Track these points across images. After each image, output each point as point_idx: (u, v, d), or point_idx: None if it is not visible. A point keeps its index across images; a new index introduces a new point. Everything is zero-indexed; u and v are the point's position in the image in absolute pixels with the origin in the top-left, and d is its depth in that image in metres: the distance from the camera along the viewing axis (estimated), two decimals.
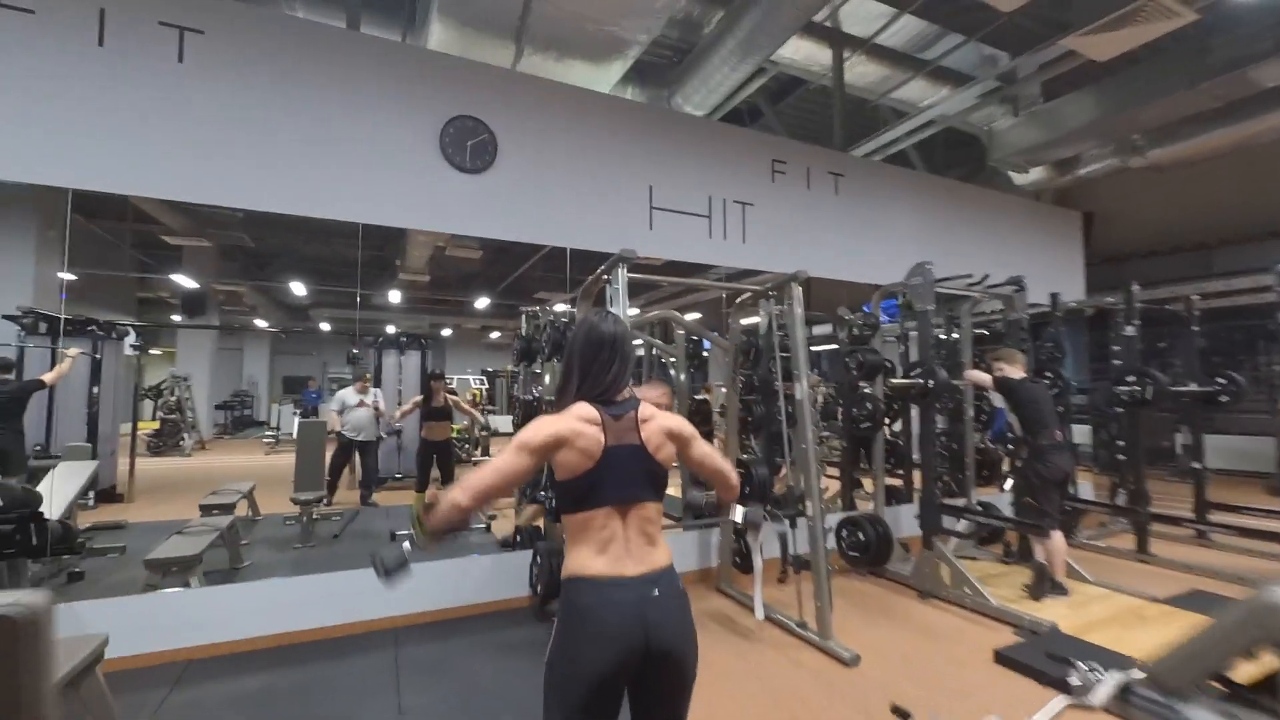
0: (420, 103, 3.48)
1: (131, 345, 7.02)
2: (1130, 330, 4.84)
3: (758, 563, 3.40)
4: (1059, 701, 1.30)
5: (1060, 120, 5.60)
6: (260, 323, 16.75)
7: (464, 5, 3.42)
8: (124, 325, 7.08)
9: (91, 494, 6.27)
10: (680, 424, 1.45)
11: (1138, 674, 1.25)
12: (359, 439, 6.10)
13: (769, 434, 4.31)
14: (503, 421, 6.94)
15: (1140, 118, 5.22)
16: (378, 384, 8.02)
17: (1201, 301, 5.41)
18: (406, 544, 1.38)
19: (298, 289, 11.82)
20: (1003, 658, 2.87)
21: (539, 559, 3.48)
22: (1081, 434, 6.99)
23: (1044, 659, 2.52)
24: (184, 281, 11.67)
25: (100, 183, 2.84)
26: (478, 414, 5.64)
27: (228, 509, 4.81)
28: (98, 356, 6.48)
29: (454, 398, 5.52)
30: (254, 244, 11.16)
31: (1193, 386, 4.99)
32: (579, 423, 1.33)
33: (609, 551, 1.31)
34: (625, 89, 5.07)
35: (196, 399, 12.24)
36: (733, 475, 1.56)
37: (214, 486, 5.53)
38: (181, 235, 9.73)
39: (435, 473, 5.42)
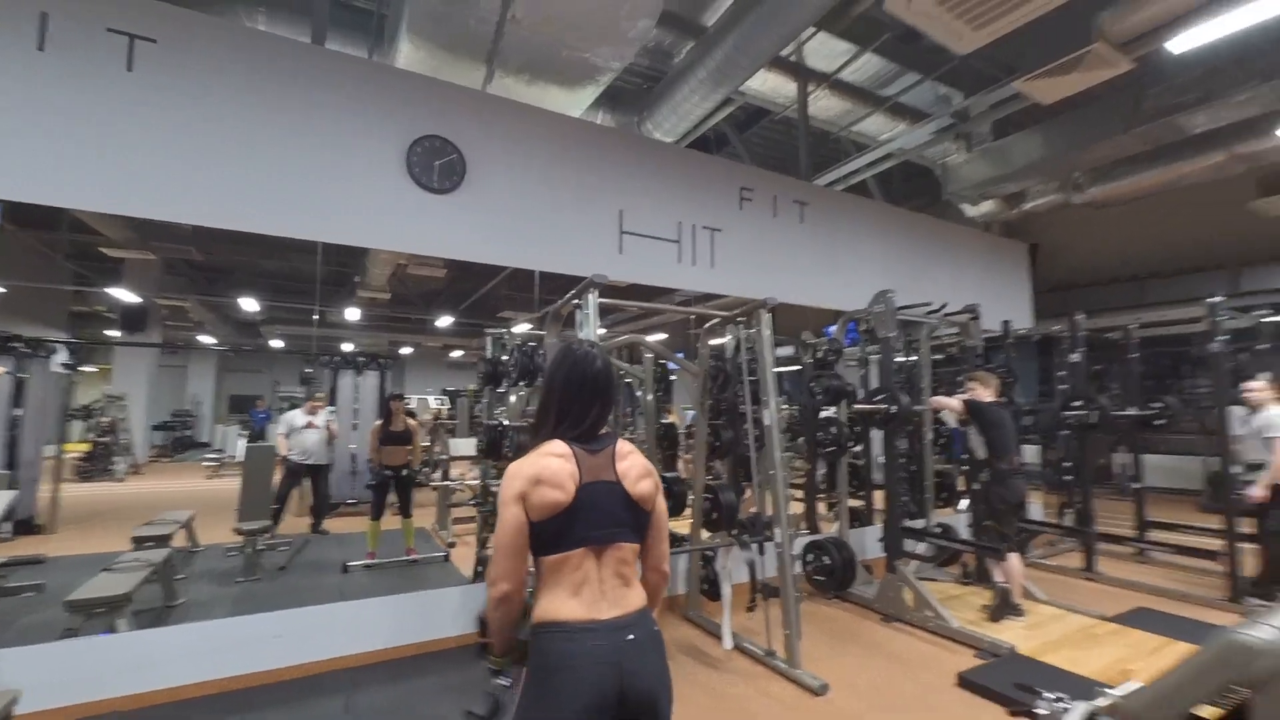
0: (386, 121, 3.41)
1: (62, 363, 6.53)
2: (1076, 357, 5.08)
3: (726, 591, 3.38)
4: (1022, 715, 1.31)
5: (1009, 157, 5.92)
6: (206, 339, 15.98)
7: (436, 25, 3.38)
8: (53, 342, 6.61)
9: (8, 525, 5.78)
10: (654, 481, 1.40)
11: (1102, 702, 1.26)
12: (308, 463, 5.82)
13: (735, 458, 4.33)
14: (464, 445, 6.74)
15: (1081, 157, 5.56)
16: (333, 404, 7.72)
17: (1138, 330, 5.74)
18: (498, 681, 1.37)
19: (249, 305, 11.31)
20: (966, 681, 2.90)
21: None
22: (1030, 454, 7.30)
23: (1010, 686, 2.56)
24: (124, 296, 11.06)
25: (39, 194, 2.65)
26: (419, 446, 5.39)
27: (163, 540, 4.48)
28: (22, 375, 6.02)
29: (412, 422, 5.32)
30: (202, 257, 10.69)
31: (1132, 410, 5.26)
32: (552, 460, 1.28)
33: (582, 595, 1.26)
34: (596, 113, 5.10)
35: (132, 420, 11.51)
36: (663, 564, 1.44)
37: (148, 515, 5.16)
38: (124, 248, 9.25)
39: (392, 498, 5.20)
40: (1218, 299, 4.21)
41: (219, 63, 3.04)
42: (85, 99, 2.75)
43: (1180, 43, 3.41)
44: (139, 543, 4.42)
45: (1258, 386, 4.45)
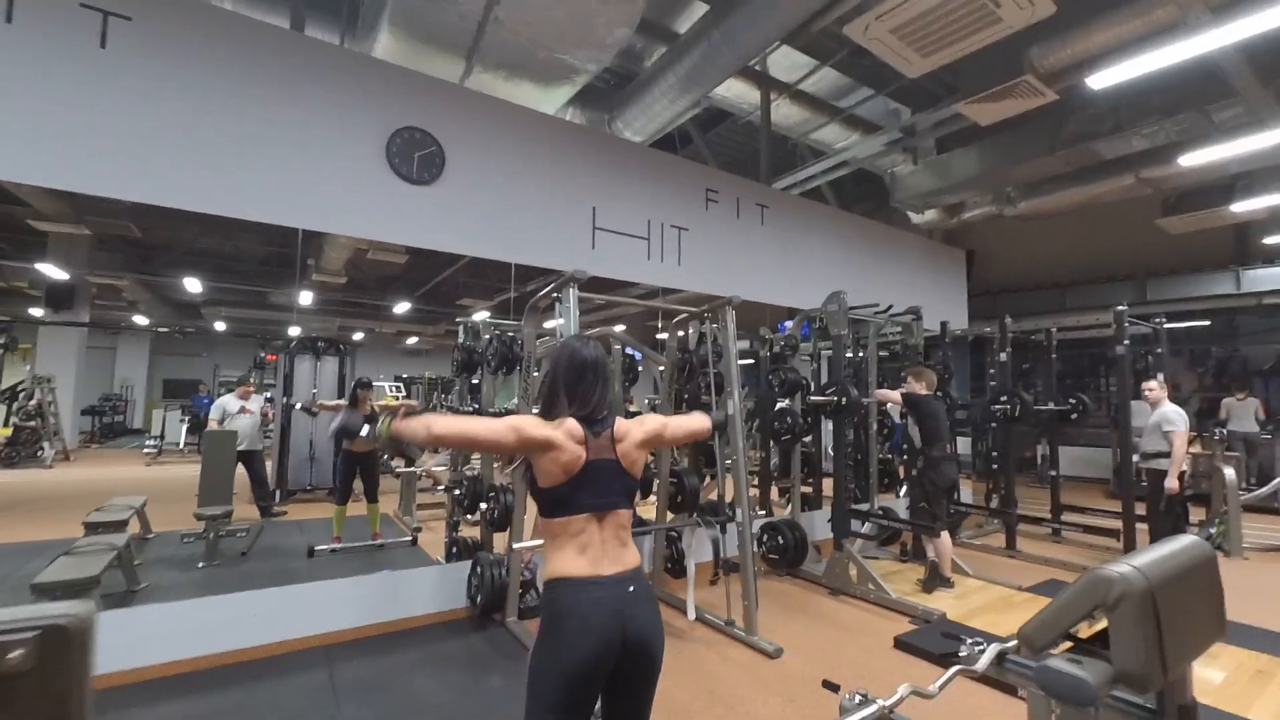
0: (367, 111, 3.45)
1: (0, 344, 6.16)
2: (1003, 356, 5.60)
3: (691, 568, 3.64)
4: (952, 670, 1.60)
5: (950, 171, 6.39)
6: (140, 319, 15.10)
7: (418, 19, 3.44)
8: None
9: None
10: (652, 426, 1.62)
11: (1011, 643, 1.56)
12: (242, 448, 5.77)
13: (699, 445, 4.60)
14: None
15: (1012, 174, 6.08)
16: (287, 392, 7.58)
17: (1058, 333, 6.35)
18: (366, 429, 1.57)
19: (193, 285, 10.80)
20: (901, 643, 3.27)
21: (479, 570, 3.51)
22: (963, 445, 7.92)
23: (938, 640, 2.92)
24: (51, 271, 10.35)
25: (11, 173, 2.60)
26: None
27: (119, 526, 4.39)
28: None
29: (378, 407, 5.34)
30: (140, 234, 10.13)
31: (1051, 405, 5.83)
32: (565, 437, 1.47)
33: (587, 554, 1.46)
34: (567, 110, 5.22)
35: (60, 403, 10.83)
36: (702, 423, 1.82)
37: (85, 502, 4.99)
38: (54, 220, 8.69)
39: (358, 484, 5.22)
40: (1123, 307, 4.75)
41: (197, 44, 3.03)
42: (55, 75, 2.70)
43: (1097, 80, 3.84)
44: (91, 528, 4.31)
45: (1155, 385, 5.05)
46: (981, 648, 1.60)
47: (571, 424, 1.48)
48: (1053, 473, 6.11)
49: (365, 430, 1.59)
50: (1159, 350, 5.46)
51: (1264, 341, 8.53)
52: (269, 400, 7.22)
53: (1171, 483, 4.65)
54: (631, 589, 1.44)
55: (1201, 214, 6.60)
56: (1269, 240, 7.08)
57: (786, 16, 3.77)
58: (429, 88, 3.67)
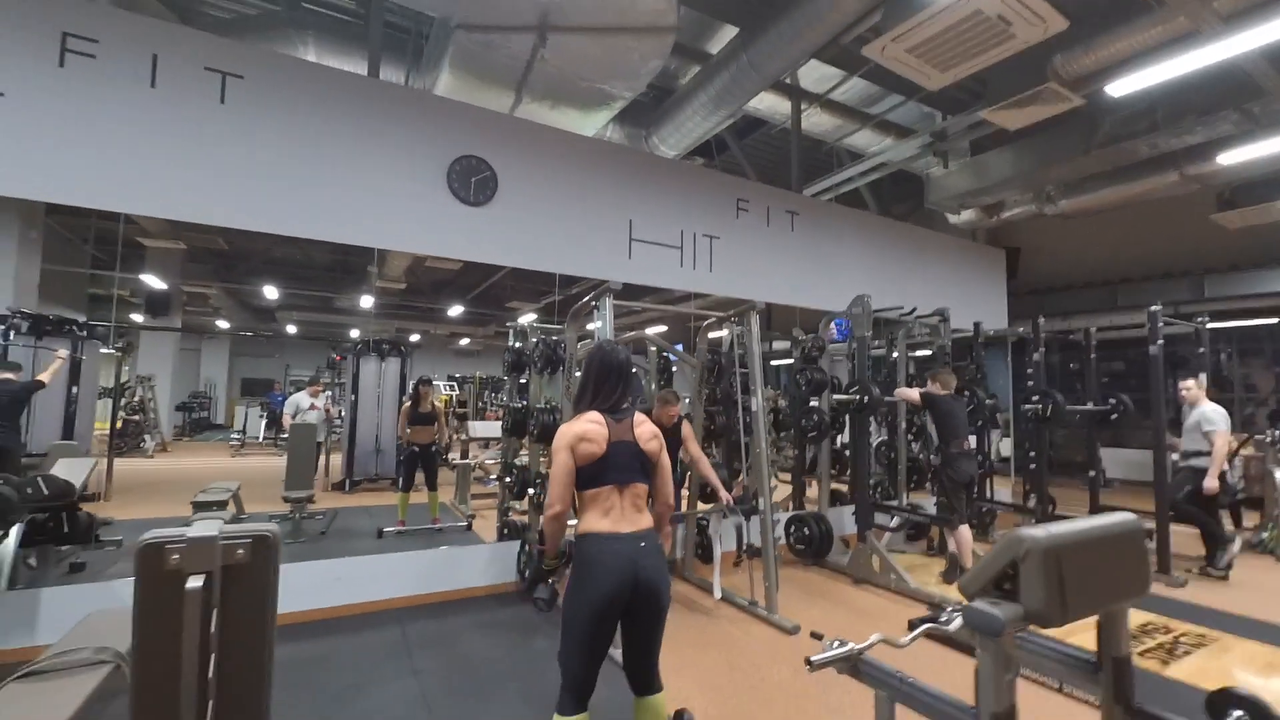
0: (430, 143, 3.94)
1: (115, 346, 7.10)
2: (1037, 356, 5.64)
3: (717, 552, 3.97)
4: (923, 627, 1.89)
5: (985, 172, 6.44)
6: (223, 324, 16.54)
7: (474, 59, 3.90)
8: (103, 326, 7.18)
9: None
10: (657, 446, 1.96)
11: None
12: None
13: (729, 441, 4.90)
14: (482, 427, 7.32)
15: (1049, 174, 6.09)
16: (354, 390, 8.30)
17: (1098, 333, 6.29)
18: (547, 582, 2.04)
19: (270, 292, 11.86)
20: (912, 625, 3.49)
21: (527, 548, 3.94)
22: (1009, 445, 7.88)
23: (935, 613, 3.15)
24: (152, 282, 11.59)
25: (151, 208, 3.21)
26: (445, 425, 6.07)
27: (222, 505, 5.07)
28: (79, 357, 6.59)
29: (437, 404, 5.91)
30: (227, 246, 11.21)
31: (1089, 405, 5.82)
32: (591, 425, 1.85)
33: (610, 516, 1.83)
34: (607, 129, 5.62)
35: (158, 400, 12.09)
36: (669, 499, 2.06)
37: (186, 488, 5.74)
38: (157, 237, 9.77)
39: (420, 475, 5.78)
40: (1157, 307, 4.75)
41: (293, 94, 3.58)
42: (188, 127, 3.29)
43: (1116, 88, 3.92)
44: (199, 507, 5.02)
45: (1192, 384, 5.02)
46: (956, 612, 1.88)
47: (593, 414, 1.86)
48: (1091, 473, 6.08)
49: (551, 584, 2.06)
50: (1201, 350, 5.39)
51: None
52: (330, 398, 7.95)
53: (1211, 482, 4.63)
54: (643, 544, 1.81)
55: (1258, 208, 6.40)
56: None
57: (809, 41, 4.04)
58: (483, 119, 4.14)
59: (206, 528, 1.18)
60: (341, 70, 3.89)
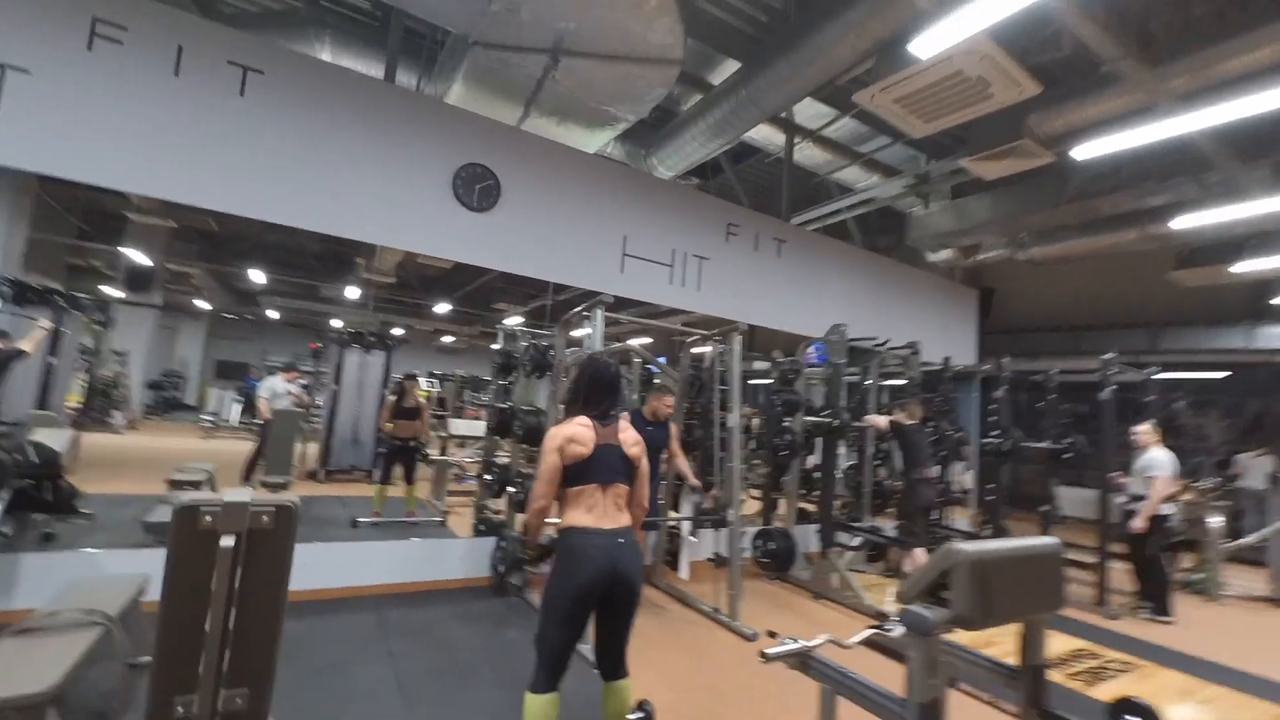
0: (439, 148, 4.10)
1: (97, 320, 7.07)
2: (1000, 394, 5.95)
3: (685, 557, 4.14)
4: (868, 631, 2.09)
5: (963, 215, 6.79)
6: (203, 304, 16.32)
7: (489, 73, 4.08)
8: (85, 298, 7.13)
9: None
10: (639, 452, 2.13)
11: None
12: None
13: (704, 455, 5.09)
14: (463, 425, 7.41)
15: (1023, 222, 6.45)
16: (337, 380, 8.33)
17: (1062, 376, 6.64)
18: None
19: (256, 276, 11.79)
20: (875, 644, 3.70)
21: (503, 545, 4.07)
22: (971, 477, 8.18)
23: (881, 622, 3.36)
24: (136, 257, 11.45)
25: (168, 192, 3.32)
26: (428, 421, 6.17)
27: (198, 485, 5.09)
28: (61, 328, 6.55)
29: (421, 400, 6.01)
30: (217, 228, 11.14)
31: (1046, 444, 6.14)
32: (580, 428, 2.02)
33: (593, 513, 2.00)
34: (609, 146, 5.83)
35: (131, 376, 11.89)
36: (644, 508, 2.19)
37: (156, 466, 5.73)
38: (147, 213, 9.70)
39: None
40: (1110, 356, 5.09)
41: (310, 91, 3.71)
42: (207, 117, 3.41)
43: (1080, 152, 4.25)
44: (176, 485, 5.02)
45: (1143, 430, 5.35)
46: (897, 620, 2.07)
47: (583, 419, 2.03)
48: (1044, 509, 6.38)
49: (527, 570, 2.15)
50: (1149, 398, 5.74)
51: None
52: (305, 387, 7.95)
53: (1138, 523, 4.91)
54: (621, 540, 1.98)
55: (1209, 270, 6.84)
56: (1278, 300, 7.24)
57: (805, 81, 4.29)
58: (491, 129, 4.31)
59: (240, 495, 1.32)
60: (358, 72, 4.04)
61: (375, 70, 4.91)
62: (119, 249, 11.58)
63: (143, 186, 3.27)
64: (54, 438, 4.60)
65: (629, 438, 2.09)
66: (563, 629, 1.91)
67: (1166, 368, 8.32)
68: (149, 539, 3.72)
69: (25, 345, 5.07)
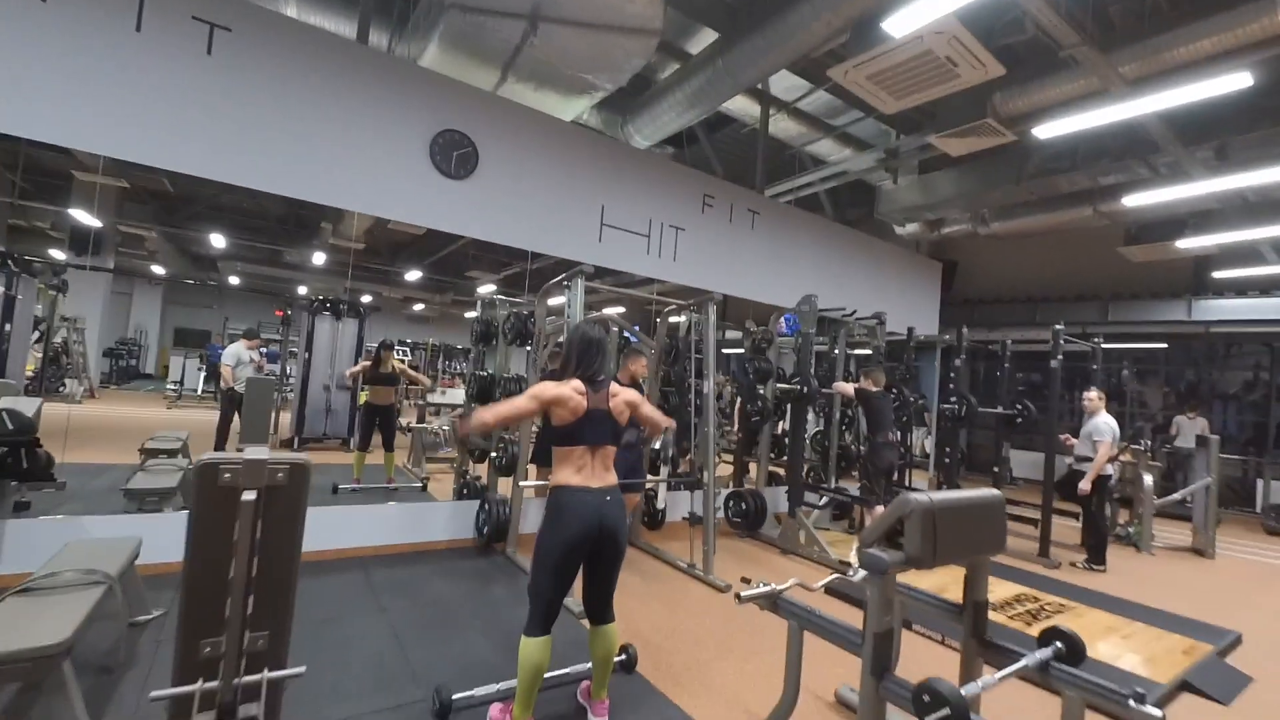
0: (415, 114, 4.05)
1: (53, 285, 6.79)
2: (958, 362, 6.27)
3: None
4: (833, 576, 2.30)
5: (929, 190, 7.00)
6: (159, 269, 15.65)
7: (465, 37, 4.02)
8: (40, 262, 6.83)
9: None
10: (633, 396, 2.29)
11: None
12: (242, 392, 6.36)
13: (680, 422, 5.27)
14: (452, 394, 7.46)
15: (985, 198, 6.70)
16: (309, 349, 8.22)
17: (1017, 345, 7.01)
18: (440, 437, 2.20)
19: (216, 240, 11.37)
20: (829, 589, 3.99)
21: (487, 507, 4.21)
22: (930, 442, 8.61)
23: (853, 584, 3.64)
24: (82, 218, 10.89)
25: (133, 154, 3.22)
26: (424, 379, 6.25)
27: (173, 453, 5.06)
28: (13, 294, 6.29)
29: (402, 365, 6.02)
30: (172, 189, 10.65)
31: (999, 409, 6.52)
32: (572, 391, 2.13)
33: (582, 473, 2.14)
34: (586, 112, 5.79)
35: (87, 344, 11.43)
36: (662, 420, 2.44)
37: (122, 436, 5.65)
38: (95, 172, 9.21)
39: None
40: (1059, 326, 5.41)
41: (281, 51, 3.62)
42: (172, 75, 3.30)
43: (1041, 131, 4.44)
44: (150, 454, 4.99)
45: (1093, 395, 5.72)
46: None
47: (576, 382, 2.15)
48: (995, 470, 6.82)
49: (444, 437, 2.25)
50: (1095, 367, 6.14)
51: (1223, 367, 9.23)
52: (263, 354, 7.81)
53: (1085, 485, 5.30)
54: (608, 498, 2.13)
55: (1155, 246, 7.24)
56: (1217, 274, 7.71)
57: (781, 55, 4.35)
58: (469, 96, 4.27)
59: (258, 452, 1.41)
60: (331, 33, 3.94)
61: (344, 28, 4.77)
62: (65, 209, 11.00)
63: (104, 147, 3.17)
64: (26, 405, 4.52)
65: (618, 402, 2.22)
66: (554, 578, 2.07)
67: (1114, 338, 8.85)
68: (130, 505, 3.73)
69: None
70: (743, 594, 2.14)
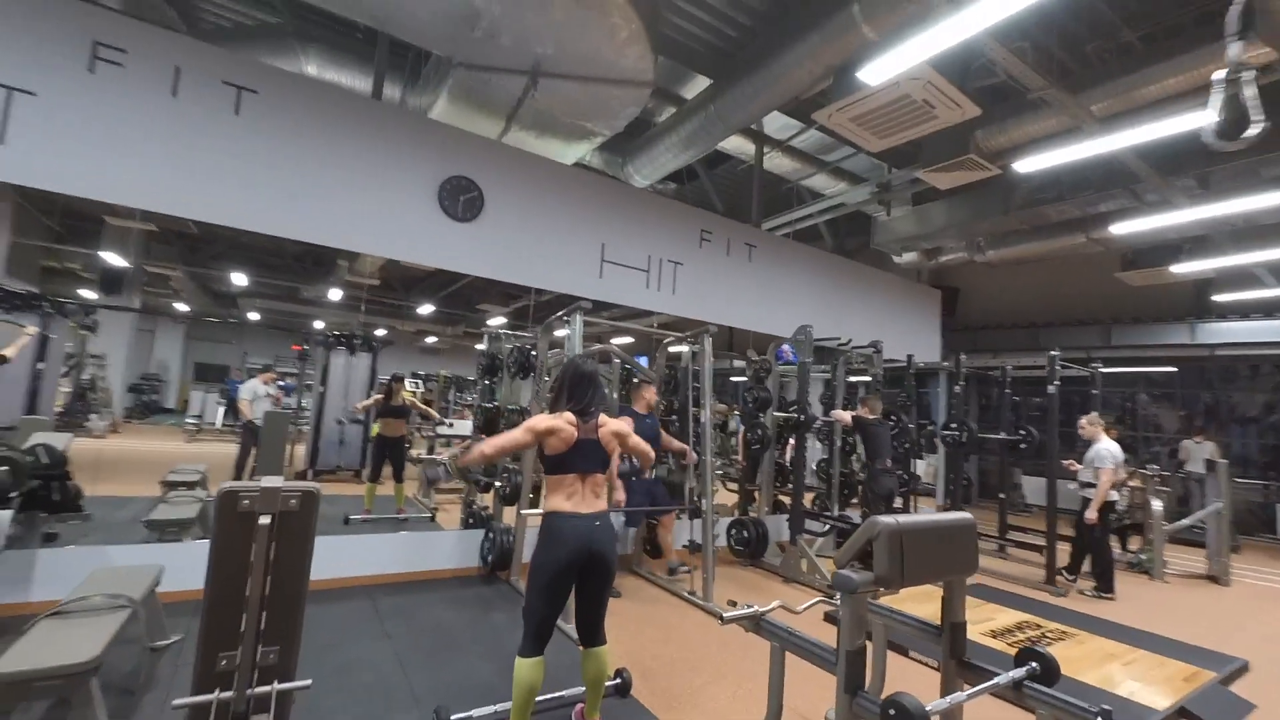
0: (424, 162, 4.33)
1: (83, 325, 7.14)
2: (958, 389, 6.34)
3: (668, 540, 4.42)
4: (815, 599, 2.39)
5: (925, 220, 7.18)
6: (181, 306, 16.22)
7: (472, 91, 4.32)
8: (71, 303, 7.20)
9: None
10: (620, 427, 2.43)
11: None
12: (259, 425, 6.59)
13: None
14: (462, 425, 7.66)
15: (978, 227, 6.86)
16: (323, 382, 8.48)
17: (1022, 370, 7.07)
18: (443, 469, 2.33)
19: (237, 279, 11.82)
20: (829, 616, 4.03)
21: (491, 536, 4.32)
22: (923, 466, 8.60)
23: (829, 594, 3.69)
24: (111, 259, 11.41)
25: (167, 207, 3.50)
26: (434, 413, 6.43)
27: (193, 485, 5.26)
28: (47, 334, 6.63)
29: (413, 399, 6.22)
30: (196, 231, 11.14)
31: (1001, 435, 6.56)
32: (564, 423, 2.29)
33: (572, 499, 2.27)
34: (587, 155, 6.09)
35: (111, 380, 11.85)
36: (650, 453, 2.57)
37: (143, 469, 5.87)
38: (125, 216, 9.70)
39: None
40: (1055, 353, 5.49)
41: (302, 109, 3.92)
42: (204, 134, 3.60)
43: (1021, 166, 4.63)
44: (170, 486, 5.19)
45: (1086, 421, 5.75)
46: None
47: (568, 415, 2.30)
48: (1001, 496, 6.81)
49: (442, 471, 2.38)
50: (1094, 392, 6.18)
51: (1241, 390, 9.15)
52: (282, 389, 8.09)
53: (1090, 514, 5.27)
54: (597, 523, 2.26)
55: (1152, 271, 7.33)
56: (1217, 298, 7.75)
57: (770, 99, 4.59)
58: (474, 143, 4.55)
59: (273, 481, 1.57)
60: (347, 89, 4.26)
61: (360, 81, 5.12)
62: (96, 252, 11.53)
63: (143, 201, 3.45)
64: (57, 440, 4.76)
65: (606, 433, 2.36)
66: (546, 600, 2.19)
67: (1120, 363, 8.86)
68: (150, 536, 3.90)
69: (7, 351, 5.17)
70: (726, 615, 2.24)
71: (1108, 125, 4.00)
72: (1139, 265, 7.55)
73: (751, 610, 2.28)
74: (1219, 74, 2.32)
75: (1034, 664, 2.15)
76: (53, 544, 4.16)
